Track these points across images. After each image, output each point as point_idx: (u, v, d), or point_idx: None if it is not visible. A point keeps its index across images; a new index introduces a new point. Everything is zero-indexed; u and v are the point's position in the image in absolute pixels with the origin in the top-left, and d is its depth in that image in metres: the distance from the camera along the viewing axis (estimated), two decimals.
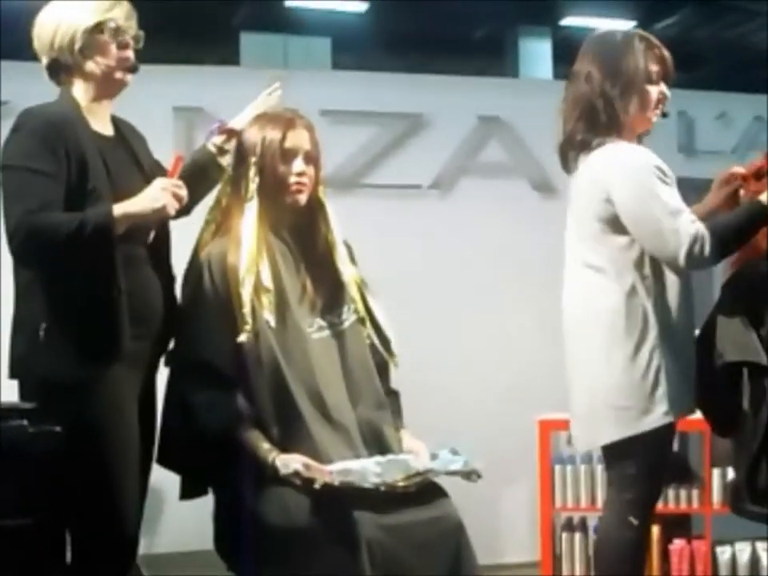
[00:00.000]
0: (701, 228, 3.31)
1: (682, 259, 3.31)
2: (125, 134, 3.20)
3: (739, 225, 3.39)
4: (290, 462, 2.94)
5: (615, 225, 3.42)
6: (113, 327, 2.96)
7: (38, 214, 2.88)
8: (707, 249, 3.30)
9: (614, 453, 3.55)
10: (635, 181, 3.39)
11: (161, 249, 3.18)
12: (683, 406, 3.47)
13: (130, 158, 3.16)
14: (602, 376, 3.48)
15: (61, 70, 3.09)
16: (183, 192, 3.00)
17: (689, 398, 3.47)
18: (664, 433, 3.46)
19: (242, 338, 3.02)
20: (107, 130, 3.14)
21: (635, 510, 3.51)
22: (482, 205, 5.60)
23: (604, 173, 3.43)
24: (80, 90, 3.09)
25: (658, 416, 3.41)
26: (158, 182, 3.00)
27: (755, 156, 3.64)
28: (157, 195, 2.96)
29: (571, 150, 3.56)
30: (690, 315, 3.52)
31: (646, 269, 3.43)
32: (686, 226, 3.31)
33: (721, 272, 3.66)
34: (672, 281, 3.45)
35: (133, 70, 3.12)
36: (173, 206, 2.98)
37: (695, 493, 5.12)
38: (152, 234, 3.08)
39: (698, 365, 3.47)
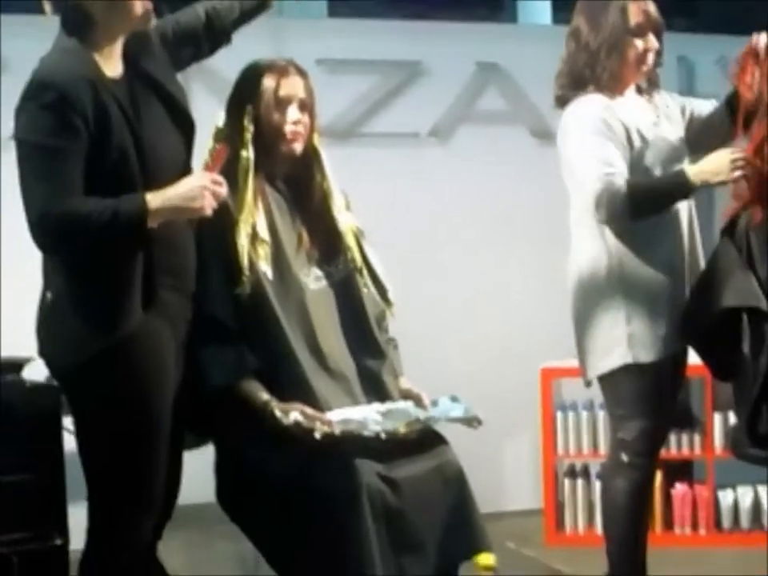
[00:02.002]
0: (616, 183, 3.39)
1: (593, 210, 3.43)
2: (138, 61, 2.98)
3: (659, 191, 3.51)
4: (289, 412, 2.93)
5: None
6: (146, 278, 2.86)
7: (64, 201, 2.74)
8: (617, 205, 3.39)
9: (605, 393, 3.69)
10: (569, 132, 3.54)
11: None
12: (655, 349, 3.54)
13: (149, 91, 2.96)
14: (578, 320, 3.64)
15: (79, 17, 2.86)
16: (223, 190, 2.86)
17: (663, 342, 3.54)
18: (644, 373, 3.54)
19: (240, 289, 3.01)
20: (120, 67, 2.95)
21: (627, 448, 3.61)
22: (481, 152, 5.56)
23: (560, 127, 3.58)
24: (98, 35, 2.88)
25: (618, 357, 3.54)
26: (199, 178, 2.87)
27: None
28: (195, 194, 2.81)
29: (557, 107, 3.67)
30: (674, 260, 3.58)
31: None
32: (600, 178, 3.40)
33: (720, 218, 3.65)
34: (647, 228, 3.50)
35: None
36: (211, 206, 2.84)
37: (697, 438, 5.14)
38: None
39: (697, 310, 3.49)
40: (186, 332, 3.02)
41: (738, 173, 3.39)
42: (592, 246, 3.57)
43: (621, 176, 3.41)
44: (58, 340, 2.91)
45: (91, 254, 2.82)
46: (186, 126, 3.03)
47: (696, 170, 3.44)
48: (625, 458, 3.61)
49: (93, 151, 2.79)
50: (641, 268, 3.53)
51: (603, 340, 3.57)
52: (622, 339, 3.53)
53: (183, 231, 2.98)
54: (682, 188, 3.46)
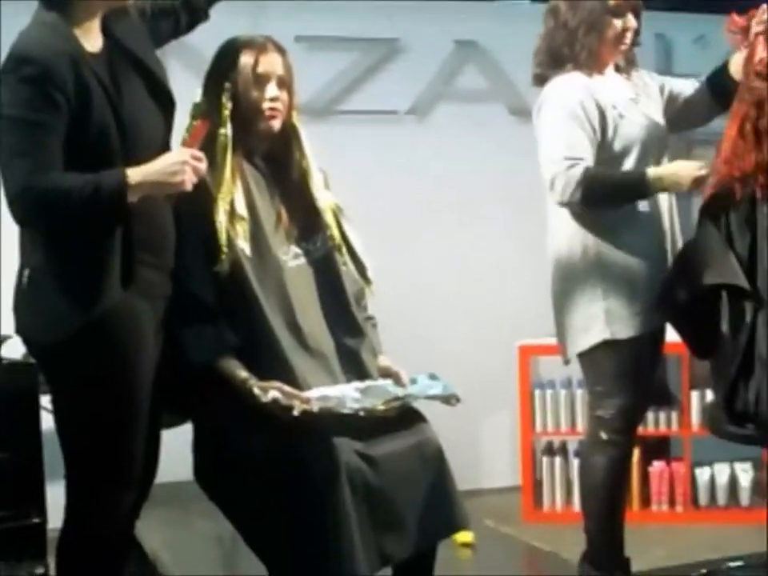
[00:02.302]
0: (573, 169, 3.42)
1: (548, 190, 3.47)
2: (118, 36, 2.96)
3: (615, 186, 3.53)
4: (268, 390, 2.92)
5: None
6: (125, 255, 2.84)
7: (44, 176, 2.73)
8: (570, 190, 3.42)
9: (585, 370, 3.72)
10: (543, 111, 3.56)
11: None
12: (632, 325, 3.56)
13: (129, 67, 2.94)
14: (557, 300, 3.67)
15: None
16: (203, 166, 2.86)
17: (641, 319, 3.56)
18: (622, 349, 3.56)
19: (219, 267, 3.00)
20: (100, 42, 2.93)
21: (605, 426, 3.63)
22: (459, 130, 5.56)
23: (536, 105, 3.61)
24: (78, 10, 2.85)
25: (597, 333, 3.56)
26: (179, 154, 2.85)
27: None
28: (176, 169, 2.80)
29: (535, 85, 3.69)
30: (650, 237, 3.60)
31: None
32: (558, 161, 3.44)
33: (699, 195, 3.65)
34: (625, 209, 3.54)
35: None
36: (191, 181, 2.83)
37: (674, 415, 5.16)
38: None
39: (676, 288, 3.50)
40: (165, 310, 3.01)
41: (697, 187, 3.46)
42: (568, 225, 3.58)
43: (581, 163, 3.43)
44: (35, 317, 2.90)
45: (70, 230, 2.80)
46: (166, 103, 3.02)
47: (656, 175, 3.46)
48: (603, 435, 3.62)
49: (73, 126, 2.78)
50: (618, 245, 3.54)
51: (581, 318, 3.58)
52: (600, 316, 3.55)
53: (162, 209, 2.97)
54: (638, 188, 3.49)
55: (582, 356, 3.65)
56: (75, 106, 2.77)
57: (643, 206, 3.54)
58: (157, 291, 2.98)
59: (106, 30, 2.95)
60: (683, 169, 3.47)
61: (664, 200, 3.60)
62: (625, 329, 3.55)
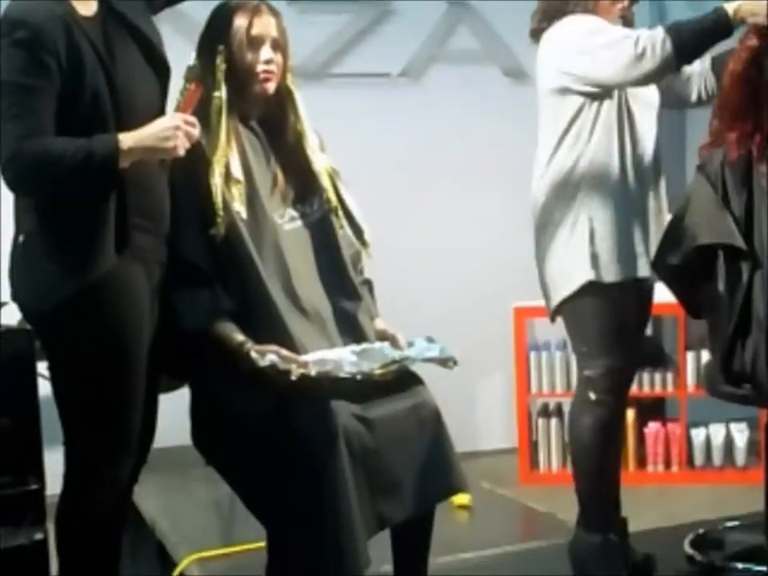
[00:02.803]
0: (655, 31, 3.32)
1: (630, 65, 3.32)
2: (113, 1, 2.93)
3: (701, 30, 3.34)
4: (265, 354, 2.92)
5: (562, 94, 3.51)
6: (119, 220, 2.83)
7: (36, 141, 2.72)
8: (665, 47, 3.29)
9: (570, 326, 3.66)
10: (565, 35, 3.48)
11: None
12: (618, 269, 3.53)
13: (124, 32, 2.92)
14: (539, 248, 3.63)
15: None
16: (196, 131, 2.84)
17: (626, 263, 3.54)
18: (607, 295, 3.53)
19: (214, 230, 2.99)
20: (94, 5, 2.90)
21: (593, 386, 3.60)
22: (453, 92, 5.54)
23: (554, 37, 3.51)
24: None
25: (581, 275, 3.51)
26: (171, 119, 2.83)
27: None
28: (168, 134, 2.78)
29: (532, 38, 3.63)
30: (639, 186, 3.58)
31: (581, 144, 3.52)
32: (629, 36, 3.34)
33: (694, 156, 3.64)
34: (612, 158, 3.51)
35: None
36: (184, 147, 2.82)
37: (669, 376, 5.18)
38: None
39: (672, 247, 3.49)
40: (160, 275, 3.00)
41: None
42: (555, 173, 3.55)
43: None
44: (30, 283, 2.89)
45: (63, 195, 2.79)
46: (161, 70, 3.00)
47: (734, 7, 3.30)
48: (592, 395, 3.59)
49: (65, 91, 2.76)
50: (605, 183, 3.51)
51: (566, 263, 3.55)
52: (585, 259, 3.50)
53: (157, 174, 2.95)
54: (723, 25, 3.31)
55: (566, 310, 3.60)
56: (67, 71, 2.76)
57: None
58: (151, 257, 2.97)
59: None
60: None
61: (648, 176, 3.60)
62: (611, 272, 3.51)
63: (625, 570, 3.62)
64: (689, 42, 3.33)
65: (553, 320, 3.72)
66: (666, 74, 3.44)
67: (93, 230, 2.82)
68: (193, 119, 2.85)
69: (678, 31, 3.31)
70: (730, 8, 3.31)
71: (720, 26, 3.31)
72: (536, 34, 3.60)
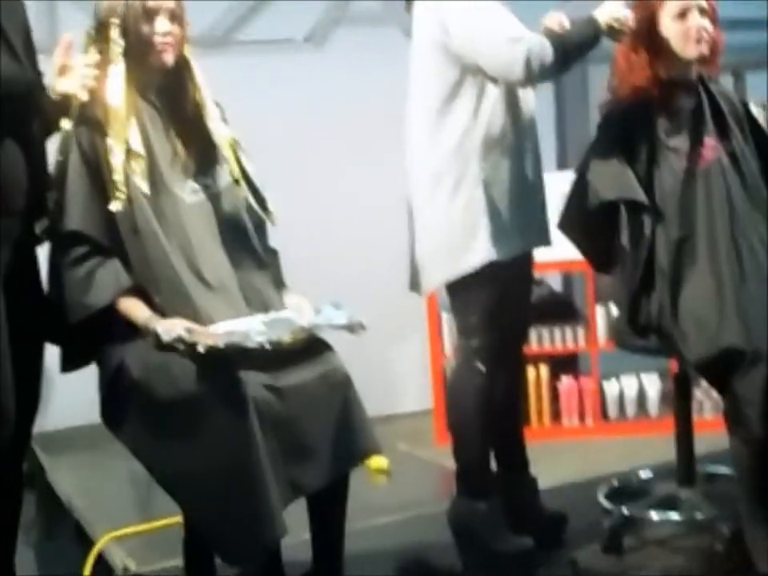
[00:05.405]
0: (542, 39, 3.31)
1: (520, 70, 3.29)
2: None
3: (578, 39, 3.39)
4: (171, 328, 2.90)
5: (446, 57, 3.47)
6: None
7: None
8: (547, 59, 3.29)
9: (456, 300, 3.62)
10: (465, 12, 3.40)
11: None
12: (513, 246, 3.49)
13: None
14: (426, 218, 3.60)
15: None
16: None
17: (522, 239, 3.52)
18: (497, 276, 3.48)
19: (115, 206, 2.96)
20: None
21: (482, 355, 3.56)
22: (356, 55, 5.50)
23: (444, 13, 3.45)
24: None
25: (480, 256, 3.45)
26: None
27: None
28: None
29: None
30: (530, 156, 3.56)
31: (470, 111, 3.49)
32: (520, 40, 3.30)
33: (597, 113, 3.66)
34: (503, 124, 3.49)
35: None
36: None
37: (581, 331, 5.22)
38: None
39: (575, 204, 3.52)
40: (19, 255, 2.97)
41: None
42: (440, 140, 3.55)
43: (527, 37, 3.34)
44: None
45: None
46: None
47: (601, 18, 3.38)
48: (482, 367, 3.55)
49: None
50: (496, 165, 3.49)
51: (461, 237, 3.48)
52: (484, 235, 3.45)
53: (12, 152, 2.92)
54: (598, 36, 3.39)
55: (454, 284, 3.55)
56: None
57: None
58: (5, 236, 2.93)
59: None
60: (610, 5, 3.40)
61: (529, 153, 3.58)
62: (507, 249, 3.47)
63: (507, 533, 3.58)
64: (572, 57, 3.39)
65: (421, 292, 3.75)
66: (542, 82, 3.49)
67: None
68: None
69: (563, 45, 3.33)
70: (598, 18, 3.38)
71: (597, 38, 3.39)
72: None
